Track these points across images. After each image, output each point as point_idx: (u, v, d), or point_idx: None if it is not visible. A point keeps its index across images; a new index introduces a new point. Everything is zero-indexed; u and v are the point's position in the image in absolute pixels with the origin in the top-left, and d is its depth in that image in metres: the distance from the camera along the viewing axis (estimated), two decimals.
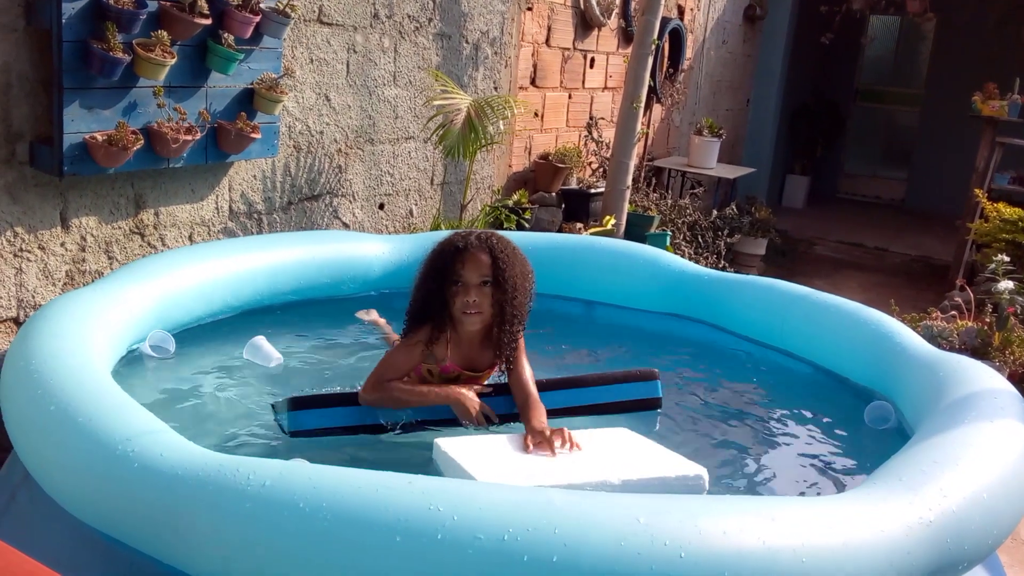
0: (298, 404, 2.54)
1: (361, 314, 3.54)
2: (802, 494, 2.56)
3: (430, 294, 2.62)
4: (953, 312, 4.71)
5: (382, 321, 3.48)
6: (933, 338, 4.16)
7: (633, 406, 2.85)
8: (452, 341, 2.67)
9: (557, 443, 2.38)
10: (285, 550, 1.72)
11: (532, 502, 1.75)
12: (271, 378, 3.01)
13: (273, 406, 2.66)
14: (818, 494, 2.55)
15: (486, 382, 2.75)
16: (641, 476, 2.26)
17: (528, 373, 2.70)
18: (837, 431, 3.01)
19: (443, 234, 3.90)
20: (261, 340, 3.11)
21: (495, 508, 1.72)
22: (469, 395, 2.59)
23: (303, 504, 1.73)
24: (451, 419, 2.61)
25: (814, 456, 2.84)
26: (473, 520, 1.69)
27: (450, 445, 2.39)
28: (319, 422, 2.54)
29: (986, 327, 4.37)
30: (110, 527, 1.95)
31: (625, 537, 1.69)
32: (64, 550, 2.03)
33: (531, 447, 2.39)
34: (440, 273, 2.61)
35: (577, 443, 2.40)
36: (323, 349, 3.33)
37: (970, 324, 4.43)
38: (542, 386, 2.72)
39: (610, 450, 2.45)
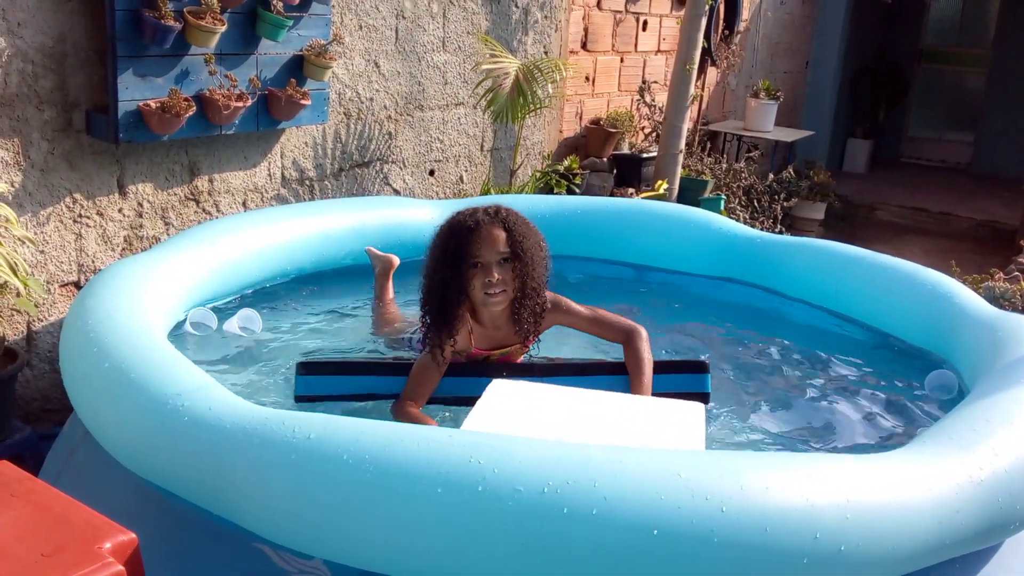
0: (307, 368, 2.45)
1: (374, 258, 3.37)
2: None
3: (447, 282, 2.43)
4: (1017, 273, 4.57)
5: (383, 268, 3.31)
6: (995, 299, 4.05)
7: (679, 396, 2.53)
8: (474, 330, 2.54)
9: None
10: (329, 501, 1.75)
11: (572, 456, 1.75)
12: (309, 344, 3.03)
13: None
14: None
15: (520, 360, 2.65)
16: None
17: (592, 314, 2.66)
18: (893, 396, 2.94)
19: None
20: (246, 313, 3.05)
21: (535, 461, 1.72)
22: None
23: (347, 456, 1.76)
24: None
25: (867, 420, 2.79)
26: (513, 473, 1.70)
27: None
28: (325, 388, 2.47)
29: None
30: (163, 480, 2.01)
31: (665, 492, 1.68)
32: (121, 502, 2.09)
33: None
34: (455, 257, 2.41)
35: None
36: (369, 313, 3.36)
37: None
38: (586, 369, 2.60)
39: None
